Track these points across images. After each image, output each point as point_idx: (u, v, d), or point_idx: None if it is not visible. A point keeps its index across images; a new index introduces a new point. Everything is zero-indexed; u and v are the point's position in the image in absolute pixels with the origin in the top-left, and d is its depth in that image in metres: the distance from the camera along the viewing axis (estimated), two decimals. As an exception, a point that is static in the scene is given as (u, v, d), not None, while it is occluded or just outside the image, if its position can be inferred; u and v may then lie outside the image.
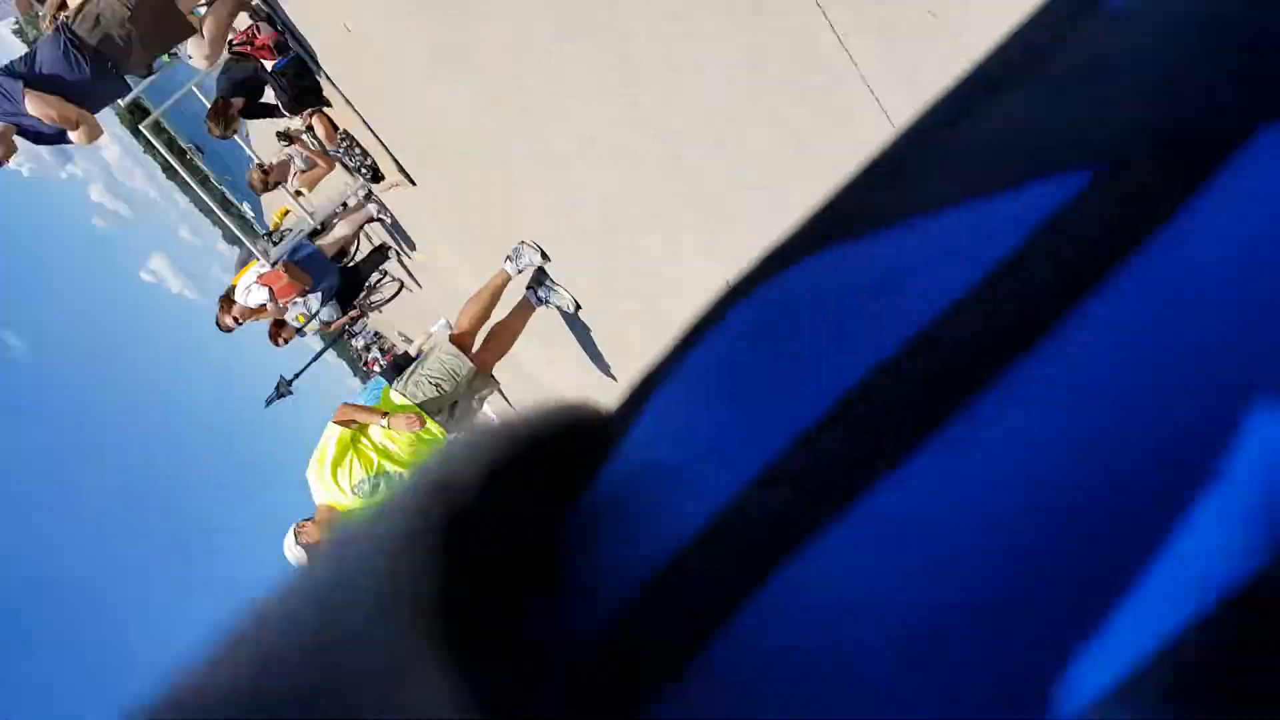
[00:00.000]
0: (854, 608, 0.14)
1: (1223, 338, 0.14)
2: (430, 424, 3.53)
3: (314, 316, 7.27)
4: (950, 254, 0.17)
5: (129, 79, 4.59)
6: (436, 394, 3.52)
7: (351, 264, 7.87)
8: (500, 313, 3.94)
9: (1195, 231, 0.15)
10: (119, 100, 4.86)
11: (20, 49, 5.36)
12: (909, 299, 0.17)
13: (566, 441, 0.21)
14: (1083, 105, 0.18)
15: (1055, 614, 0.13)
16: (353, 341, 22.78)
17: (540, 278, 4.01)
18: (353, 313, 8.56)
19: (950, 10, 1.50)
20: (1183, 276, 0.14)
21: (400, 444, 3.51)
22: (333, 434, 3.56)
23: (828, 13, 1.70)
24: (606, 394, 5.39)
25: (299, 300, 6.62)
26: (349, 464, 3.47)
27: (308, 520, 3.53)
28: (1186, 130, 0.16)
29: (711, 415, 0.18)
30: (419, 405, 3.51)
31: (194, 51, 4.82)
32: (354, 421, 3.57)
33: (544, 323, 4.43)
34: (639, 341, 3.92)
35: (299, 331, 7.75)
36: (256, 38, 5.05)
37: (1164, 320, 0.14)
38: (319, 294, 6.80)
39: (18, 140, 4.23)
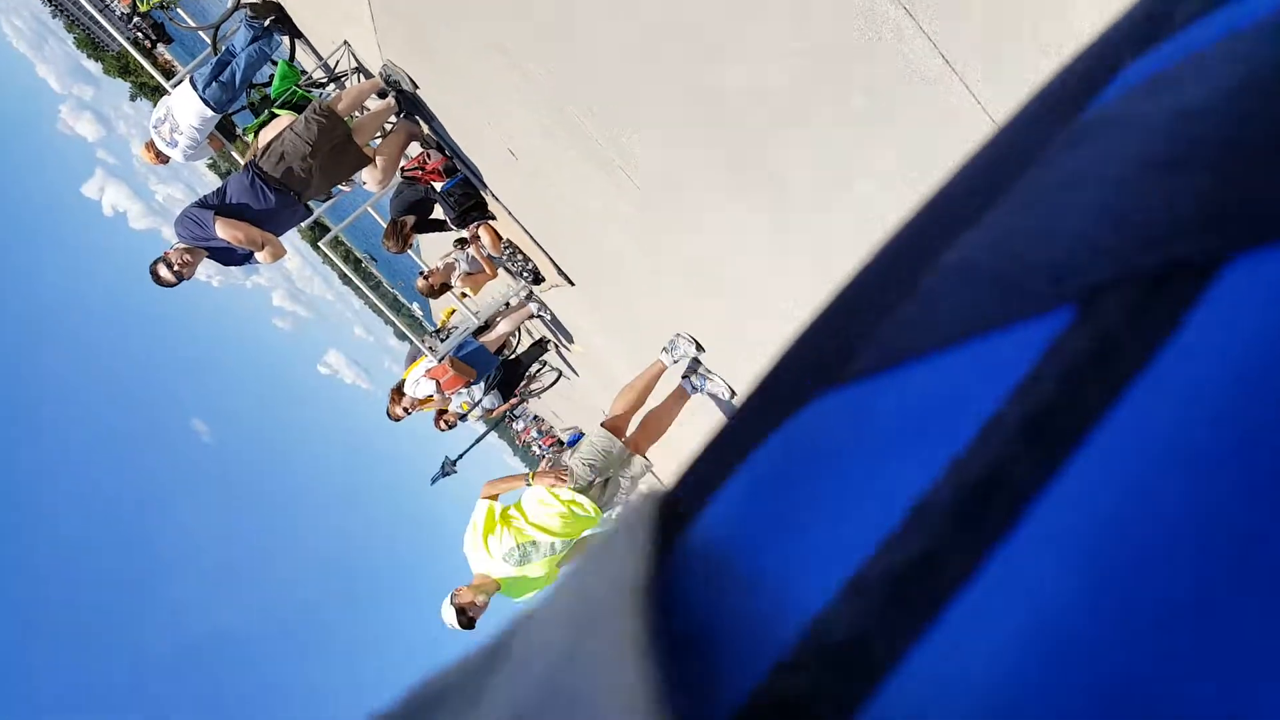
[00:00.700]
0: None
1: (1210, 479, 0.13)
2: (584, 501, 3.66)
3: (477, 404, 7.61)
4: (934, 412, 0.17)
5: (312, 203, 5.07)
6: (589, 473, 3.65)
7: (513, 356, 8.24)
8: (656, 400, 4.05)
9: (1169, 373, 0.14)
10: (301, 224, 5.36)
11: (215, 182, 5.96)
12: (903, 458, 0.17)
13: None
14: (1053, 228, 0.18)
15: None
16: (514, 425, 23.50)
17: (695, 367, 4.11)
18: (513, 400, 8.89)
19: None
20: (1160, 423, 0.14)
21: (552, 515, 3.64)
22: (482, 507, 3.72)
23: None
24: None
25: (463, 391, 6.97)
26: (500, 534, 3.62)
27: (463, 586, 3.69)
28: (1156, 261, 0.16)
29: (790, 522, 0.18)
30: (576, 489, 3.65)
31: (368, 178, 5.25)
32: (496, 494, 3.75)
33: (700, 411, 4.50)
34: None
35: (462, 418, 8.13)
36: (428, 163, 5.47)
37: (1145, 473, 0.14)
38: (482, 385, 7.13)
39: (210, 263, 4.71)
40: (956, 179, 0.25)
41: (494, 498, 3.76)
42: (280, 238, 4.81)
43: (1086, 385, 0.15)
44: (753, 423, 0.22)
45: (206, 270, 4.80)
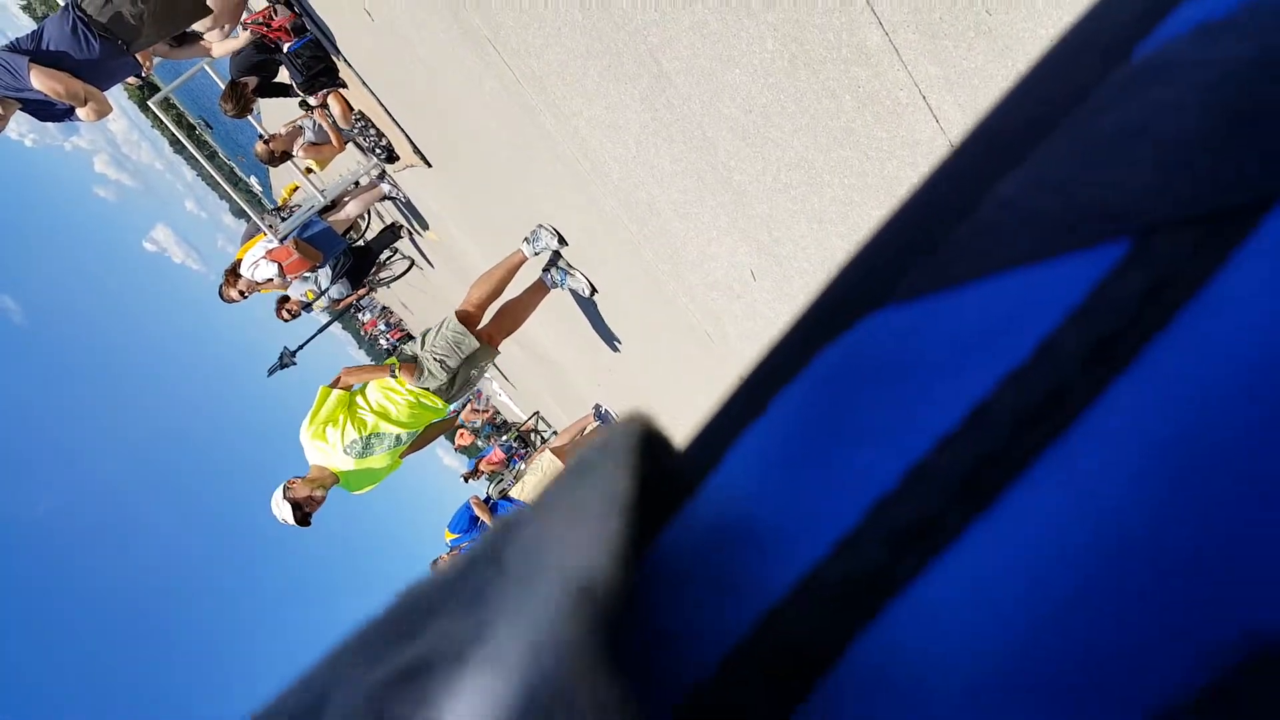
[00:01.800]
0: (940, 670, 0.15)
1: (1257, 414, 0.14)
2: (430, 394, 3.54)
3: (323, 293, 7.27)
4: (994, 329, 0.18)
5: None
6: (442, 370, 3.54)
7: (361, 241, 7.85)
8: (513, 292, 3.93)
9: (1222, 307, 0.15)
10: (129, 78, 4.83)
11: (29, 25, 5.33)
12: (962, 371, 0.17)
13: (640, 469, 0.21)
14: (1110, 169, 0.19)
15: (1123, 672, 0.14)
16: (359, 315, 22.87)
17: (556, 260, 4.00)
18: (362, 290, 8.55)
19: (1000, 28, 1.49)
20: (1212, 353, 0.15)
21: (399, 405, 3.53)
22: (327, 395, 3.57)
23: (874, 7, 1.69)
24: (615, 375, 5.39)
25: (308, 275, 6.62)
26: (342, 424, 3.48)
27: (297, 478, 3.56)
28: (1210, 204, 0.17)
29: (793, 474, 0.19)
30: (427, 388, 3.53)
31: (204, 29, 4.77)
32: (352, 384, 3.59)
33: (556, 304, 4.43)
34: (652, 326, 3.92)
35: (306, 307, 7.76)
36: (273, 20, 5.01)
37: (1195, 396, 0.15)
38: (328, 270, 6.79)
39: (23, 115, 4.19)
40: (1003, 111, 0.26)
41: (347, 387, 3.59)
42: (105, 93, 4.31)
43: (1141, 313, 0.16)
44: (788, 353, 0.22)
45: (18, 126, 4.35)
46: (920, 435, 0.17)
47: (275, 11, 5.02)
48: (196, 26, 4.73)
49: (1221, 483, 0.14)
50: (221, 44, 5.08)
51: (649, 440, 0.22)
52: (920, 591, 0.15)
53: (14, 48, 3.96)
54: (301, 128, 6.01)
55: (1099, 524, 0.14)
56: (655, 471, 0.21)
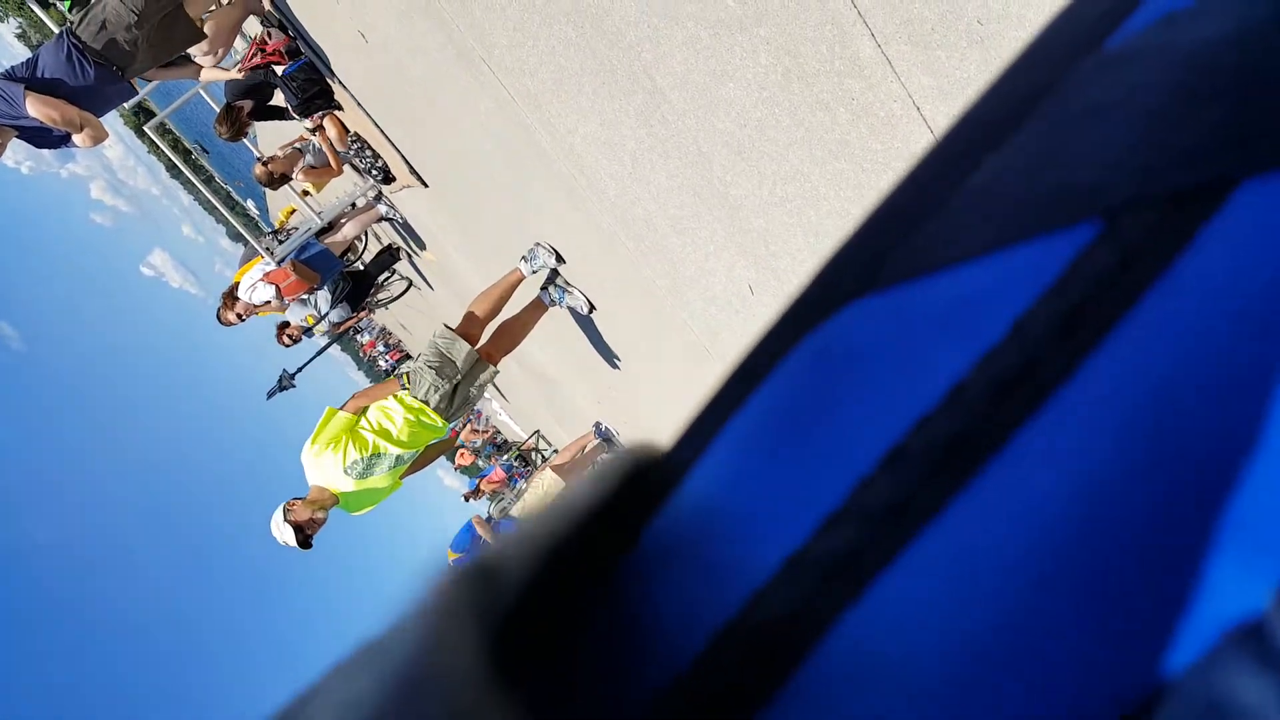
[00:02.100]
0: (921, 648, 0.15)
1: (1221, 384, 0.15)
2: (429, 412, 3.52)
3: (323, 318, 7.26)
4: (968, 312, 0.18)
5: (136, 82, 4.56)
6: (433, 378, 3.50)
7: (359, 264, 7.85)
8: (512, 310, 3.92)
9: (1186, 284, 0.16)
10: (124, 104, 4.84)
11: (24, 54, 5.35)
12: (938, 352, 0.18)
13: (627, 488, 0.21)
14: (1075, 151, 0.19)
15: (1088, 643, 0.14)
16: (358, 337, 22.87)
17: (554, 278, 4.00)
18: (362, 314, 8.54)
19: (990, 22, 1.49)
20: (1178, 328, 0.15)
21: (399, 425, 3.50)
22: (332, 416, 3.54)
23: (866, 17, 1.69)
24: (614, 393, 5.38)
25: (306, 297, 6.62)
26: (344, 445, 3.45)
27: (297, 499, 3.52)
28: (1175, 182, 0.17)
29: (774, 459, 0.19)
30: (422, 400, 3.50)
31: (198, 54, 4.77)
32: (365, 407, 3.56)
33: (556, 323, 4.42)
34: (650, 342, 3.91)
35: (306, 332, 7.75)
36: (268, 44, 5.03)
37: (1160, 375, 0.15)
38: (326, 293, 6.79)
39: (19, 142, 4.20)
40: (980, 106, 0.26)
41: (359, 411, 3.57)
42: (101, 119, 4.29)
43: (1109, 290, 0.17)
44: (770, 346, 0.22)
45: (15, 154, 4.35)
46: (898, 417, 0.17)
47: (269, 35, 5.04)
48: (191, 51, 4.74)
49: (1188, 463, 0.14)
50: (211, 71, 5.08)
51: (647, 462, 0.22)
52: (900, 570, 0.16)
53: (9, 75, 3.95)
54: (301, 150, 6.01)
55: (1074, 500, 0.15)
56: (648, 483, 0.21)
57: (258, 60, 5.09)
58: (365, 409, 3.57)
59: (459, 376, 3.55)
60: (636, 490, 0.21)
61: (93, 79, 4.03)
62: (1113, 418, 0.15)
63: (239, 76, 5.24)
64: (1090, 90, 0.21)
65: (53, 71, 3.96)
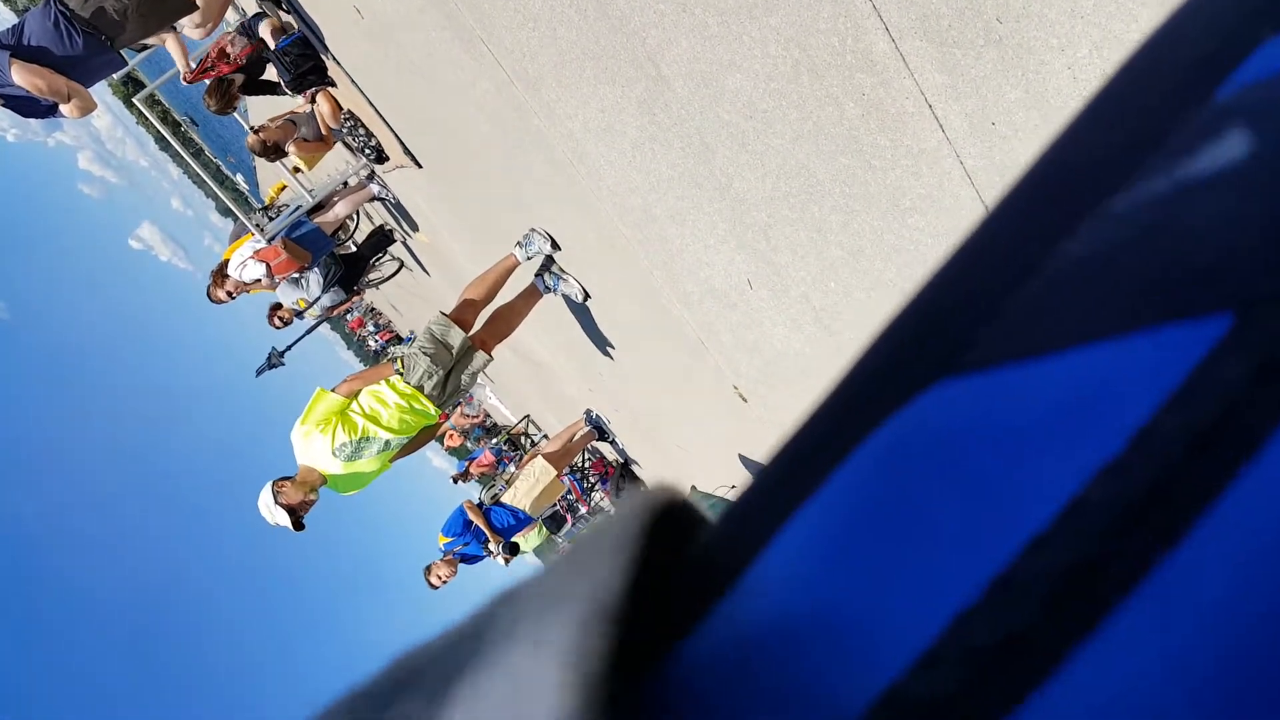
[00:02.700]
0: None
1: None
2: (422, 399, 3.49)
3: (315, 302, 7.20)
4: (1079, 412, 0.15)
5: (125, 52, 4.49)
6: (428, 364, 3.47)
7: (351, 244, 7.78)
8: (506, 296, 3.87)
9: None
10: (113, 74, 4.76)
11: (11, 19, 5.26)
12: (1046, 459, 0.15)
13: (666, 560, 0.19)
14: (1204, 227, 0.16)
15: None
16: (347, 315, 22.76)
17: (549, 265, 3.95)
18: (354, 298, 8.48)
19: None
20: None
21: (390, 410, 3.47)
22: (323, 397, 3.51)
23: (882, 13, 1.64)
24: (607, 382, 5.35)
25: (297, 276, 6.56)
26: (333, 427, 3.42)
27: (286, 479, 3.49)
28: None
29: (860, 573, 0.16)
30: (415, 386, 3.47)
31: (188, 24, 4.69)
32: (358, 391, 3.54)
33: (549, 310, 4.38)
34: (645, 333, 3.88)
35: (298, 315, 7.69)
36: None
37: None
38: (316, 273, 6.72)
39: (5, 110, 4.15)
40: (1058, 154, 0.23)
41: (352, 394, 3.53)
42: (90, 89, 4.24)
43: (1250, 403, 0.14)
44: (839, 424, 0.20)
45: (0, 120, 4.33)
46: (1004, 537, 0.15)
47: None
48: (183, 22, 4.66)
49: None
50: (174, 45, 4.96)
51: (670, 518, 0.20)
52: None
53: None
54: (294, 122, 5.92)
55: (1225, 651, 0.12)
56: (674, 554, 0.19)
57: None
58: (357, 392, 3.53)
59: (453, 363, 3.51)
60: (683, 564, 0.19)
61: (81, 48, 3.98)
62: (1266, 557, 0.13)
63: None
64: (1209, 153, 0.18)
65: (39, 39, 3.90)
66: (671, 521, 0.20)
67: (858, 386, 0.21)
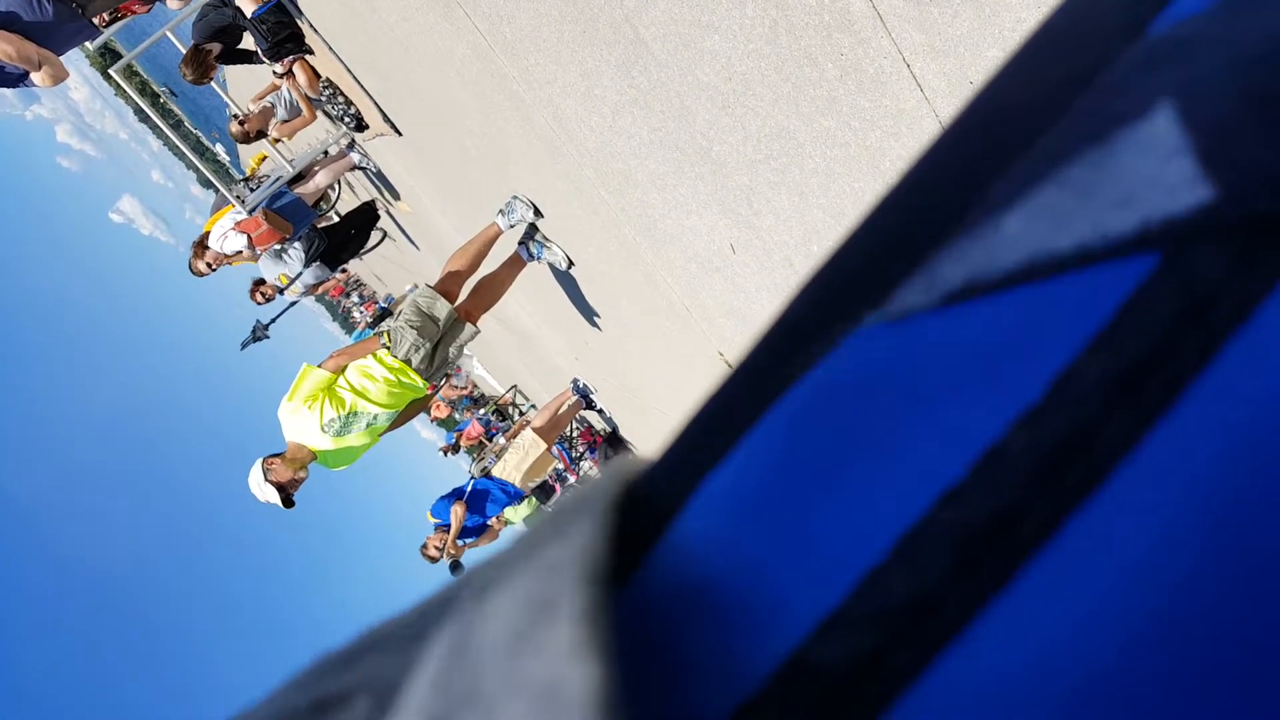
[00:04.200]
0: None
1: None
2: (410, 372, 3.49)
3: (297, 278, 7.15)
4: (998, 359, 0.15)
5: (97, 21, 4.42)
6: (415, 337, 3.47)
7: (334, 213, 7.71)
8: (490, 266, 3.86)
9: (1270, 337, 0.13)
10: (87, 43, 4.68)
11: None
12: (966, 409, 0.15)
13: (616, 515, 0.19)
14: (1129, 164, 0.16)
15: None
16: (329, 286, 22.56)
17: (532, 233, 3.93)
18: (340, 275, 8.42)
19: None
20: (1266, 395, 0.13)
21: (378, 384, 3.47)
22: (310, 373, 3.51)
23: (847, -31, 1.63)
24: (592, 349, 5.35)
25: (279, 247, 6.51)
26: (321, 403, 3.43)
27: (275, 456, 3.50)
28: (1259, 208, 0.14)
29: (764, 534, 0.16)
30: (403, 360, 3.47)
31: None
32: (344, 366, 3.53)
33: (534, 278, 4.37)
34: (630, 300, 3.87)
35: (280, 291, 7.64)
36: None
37: (1250, 449, 0.12)
38: (298, 247, 6.67)
39: None
40: (997, 90, 0.22)
41: (339, 369, 3.52)
42: (62, 58, 4.16)
43: (1176, 344, 0.14)
44: (762, 372, 0.19)
45: None
46: (917, 491, 0.14)
47: None
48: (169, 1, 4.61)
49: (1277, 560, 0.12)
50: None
51: (632, 494, 0.19)
52: (920, 690, 0.13)
53: None
54: (273, 105, 5.86)
55: (1141, 608, 0.12)
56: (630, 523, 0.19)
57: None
58: (344, 368, 3.52)
59: (440, 335, 3.51)
60: (625, 518, 0.19)
61: (50, 15, 3.90)
62: (1189, 506, 0.12)
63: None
64: (1139, 87, 0.17)
65: (8, 4, 3.83)
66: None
67: (781, 340, 0.20)
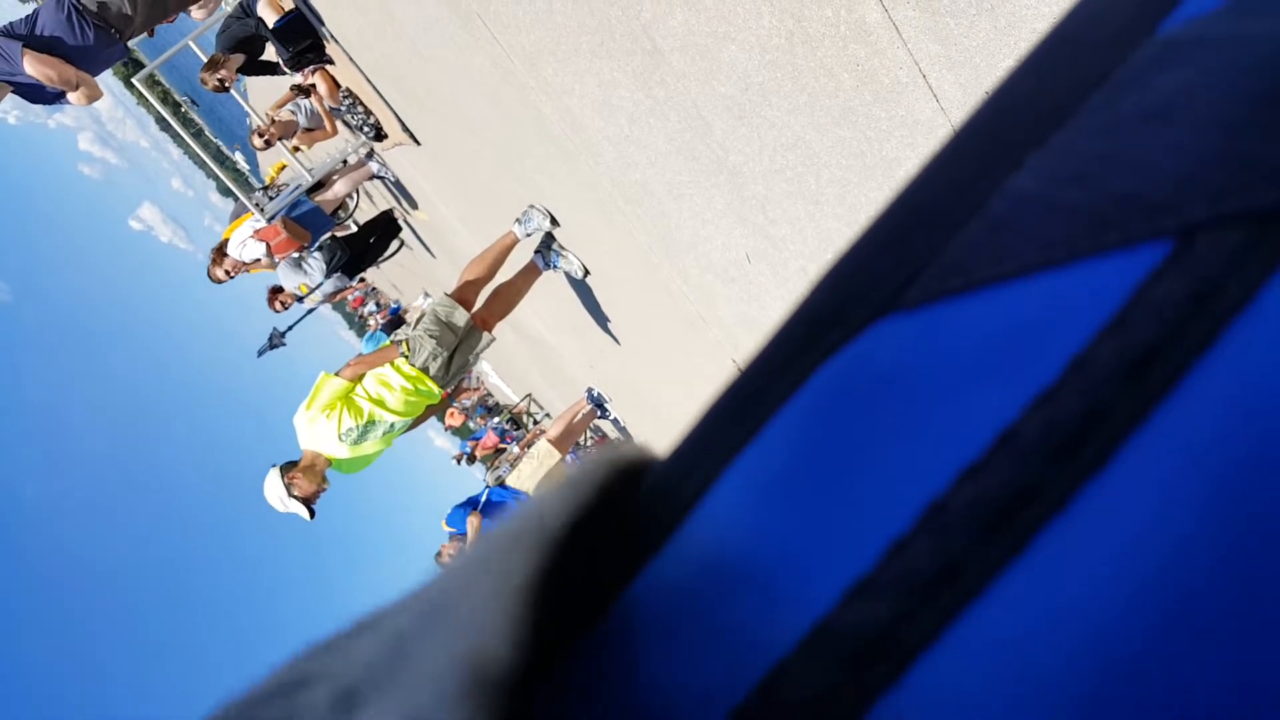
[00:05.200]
0: None
1: None
2: (427, 380, 3.50)
3: (317, 288, 7.20)
4: (1016, 343, 0.16)
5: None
6: (434, 346, 3.48)
7: (352, 222, 7.76)
8: (506, 274, 3.88)
9: (1275, 321, 0.14)
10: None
11: (22, 11, 5.31)
12: (983, 392, 0.16)
13: (614, 509, 0.20)
14: (1139, 158, 0.17)
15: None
16: (347, 295, 22.70)
17: (549, 242, 3.95)
18: (358, 285, 8.49)
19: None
20: (1269, 373, 0.13)
21: (395, 394, 3.49)
22: (327, 382, 3.53)
23: (863, -19, 1.64)
24: (608, 359, 5.36)
25: (298, 256, 6.56)
26: (339, 412, 3.45)
27: (290, 465, 3.52)
28: (1261, 196, 0.15)
29: (792, 511, 0.16)
30: (420, 369, 3.49)
31: (193, 10, 4.75)
32: (363, 375, 3.55)
33: (549, 287, 4.39)
34: (645, 309, 3.88)
35: (299, 299, 7.69)
36: None
37: (1252, 424, 0.13)
38: (319, 257, 6.72)
39: (12, 97, 4.22)
40: (1010, 95, 0.23)
41: (356, 378, 3.55)
42: (96, 77, 4.35)
43: (1183, 329, 0.14)
44: (785, 359, 0.20)
45: (3, 104, 4.38)
46: (938, 467, 0.15)
47: None
48: (193, 11, 4.75)
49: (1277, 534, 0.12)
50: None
51: (626, 476, 0.21)
52: (945, 651, 0.14)
53: (8, 32, 3.99)
54: (294, 113, 5.93)
55: (1150, 575, 0.13)
56: (630, 503, 0.20)
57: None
58: (362, 376, 3.55)
59: (457, 343, 3.53)
60: (627, 516, 0.19)
61: (91, 40, 4.09)
62: (1195, 481, 0.13)
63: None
64: (1148, 86, 0.18)
65: (52, 30, 4.01)
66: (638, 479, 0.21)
67: (801, 330, 0.21)
